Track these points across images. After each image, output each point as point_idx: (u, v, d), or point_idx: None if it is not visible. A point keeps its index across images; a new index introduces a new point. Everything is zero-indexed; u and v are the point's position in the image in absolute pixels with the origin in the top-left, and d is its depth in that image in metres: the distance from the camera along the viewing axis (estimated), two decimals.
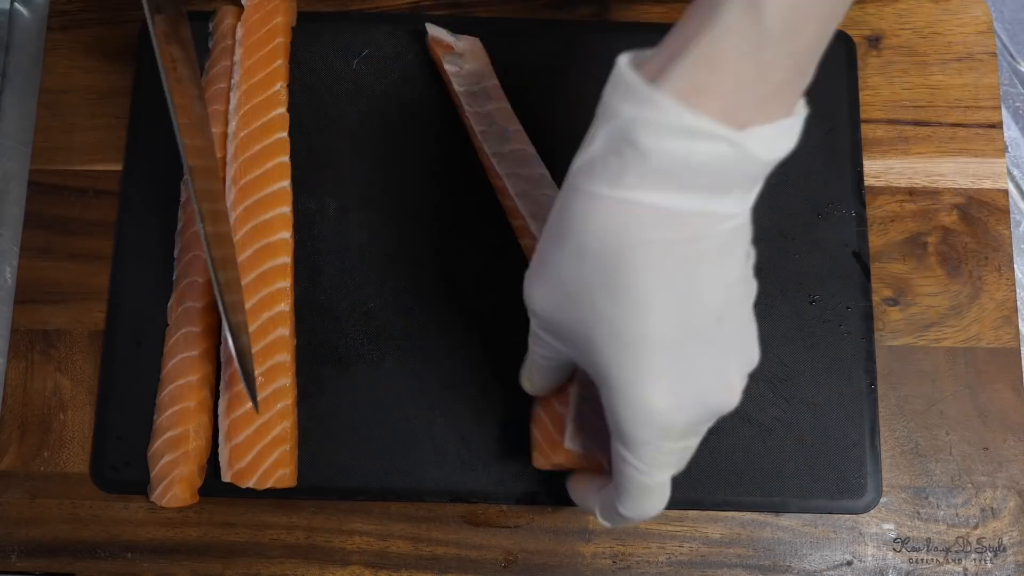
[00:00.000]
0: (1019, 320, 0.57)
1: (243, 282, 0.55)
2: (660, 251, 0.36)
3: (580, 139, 0.38)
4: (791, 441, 0.55)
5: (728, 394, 0.39)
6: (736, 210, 0.38)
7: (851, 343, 0.56)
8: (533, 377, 0.48)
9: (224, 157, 0.58)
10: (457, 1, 0.62)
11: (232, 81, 0.58)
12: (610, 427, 0.41)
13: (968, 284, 0.58)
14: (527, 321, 0.57)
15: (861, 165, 0.59)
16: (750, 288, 0.41)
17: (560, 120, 0.59)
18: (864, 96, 0.60)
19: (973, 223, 0.59)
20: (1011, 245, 0.58)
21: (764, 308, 0.57)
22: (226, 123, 0.58)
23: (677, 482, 0.55)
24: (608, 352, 0.38)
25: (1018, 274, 0.58)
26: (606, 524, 0.46)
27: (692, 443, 0.42)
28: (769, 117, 0.36)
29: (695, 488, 0.55)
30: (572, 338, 0.40)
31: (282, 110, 0.58)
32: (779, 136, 0.37)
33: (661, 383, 0.38)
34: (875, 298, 0.58)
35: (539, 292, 0.40)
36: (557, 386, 0.49)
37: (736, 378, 0.40)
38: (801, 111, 0.38)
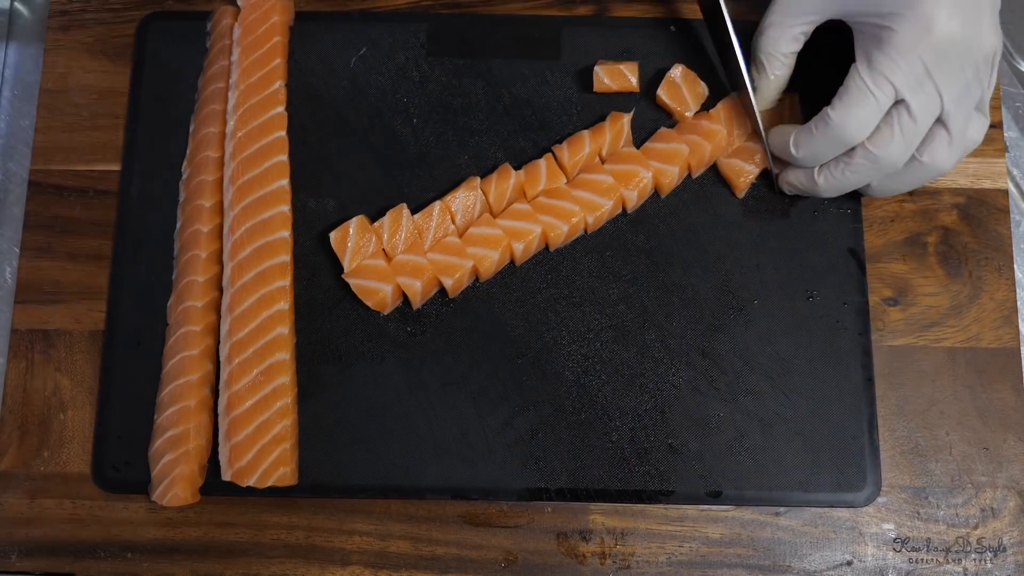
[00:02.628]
0: (1019, 320, 0.57)
1: (242, 280, 0.55)
2: None
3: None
4: (790, 435, 0.55)
5: (988, 42, 0.51)
6: None
7: (848, 339, 0.57)
8: (771, 77, 0.57)
9: (222, 156, 0.58)
10: (458, 1, 0.62)
11: (230, 81, 0.58)
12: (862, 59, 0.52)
13: (968, 284, 0.58)
14: (527, 319, 0.57)
15: None
16: None
17: (558, 118, 0.60)
18: None
19: (973, 223, 0.59)
20: (1011, 245, 0.58)
21: (763, 304, 0.57)
22: (224, 123, 0.58)
23: (678, 481, 0.55)
24: None
25: (1018, 274, 0.57)
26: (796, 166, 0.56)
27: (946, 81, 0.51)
28: None
29: (695, 483, 0.55)
30: None
31: (280, 109, 0.58)
32: None
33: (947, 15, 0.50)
34: (875, 298, 0.57)
35: None
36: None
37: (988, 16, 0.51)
38: None
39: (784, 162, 0.57)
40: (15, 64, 0.63)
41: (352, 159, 0.59)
